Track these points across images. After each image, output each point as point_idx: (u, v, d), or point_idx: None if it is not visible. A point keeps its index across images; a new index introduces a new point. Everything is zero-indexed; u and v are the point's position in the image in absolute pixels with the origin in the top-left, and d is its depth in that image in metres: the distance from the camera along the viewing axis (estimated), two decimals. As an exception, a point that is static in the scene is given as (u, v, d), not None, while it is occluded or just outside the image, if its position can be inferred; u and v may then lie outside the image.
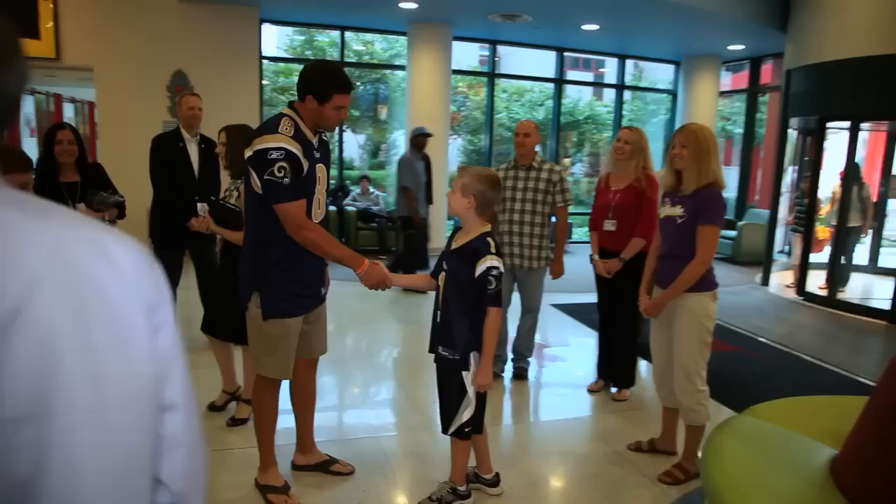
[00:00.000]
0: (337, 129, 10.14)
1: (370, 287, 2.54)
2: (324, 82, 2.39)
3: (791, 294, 7.48)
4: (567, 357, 5.06)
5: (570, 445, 3.48)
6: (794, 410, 2.61)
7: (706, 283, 2.90)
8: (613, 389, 4.12)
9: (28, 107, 13.62)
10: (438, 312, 2.62)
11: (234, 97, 7.86)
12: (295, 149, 2.33)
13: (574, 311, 6.09)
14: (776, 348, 5.35)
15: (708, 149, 2.82)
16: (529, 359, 4.38)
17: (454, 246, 2.57)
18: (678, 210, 2.89)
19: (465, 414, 2.59)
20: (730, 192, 11.42)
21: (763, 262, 8.19)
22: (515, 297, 4.26)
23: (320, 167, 2.51)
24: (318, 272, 2.65)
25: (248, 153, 2.36)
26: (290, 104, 2.48)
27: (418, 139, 6.76)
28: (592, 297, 4.21)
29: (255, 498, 2.74)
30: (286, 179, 2.31)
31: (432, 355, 2.68)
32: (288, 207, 2.35)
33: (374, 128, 12.31)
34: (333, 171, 10.37)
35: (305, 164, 2.38)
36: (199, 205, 3.25)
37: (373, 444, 3.33)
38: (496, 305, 2.50)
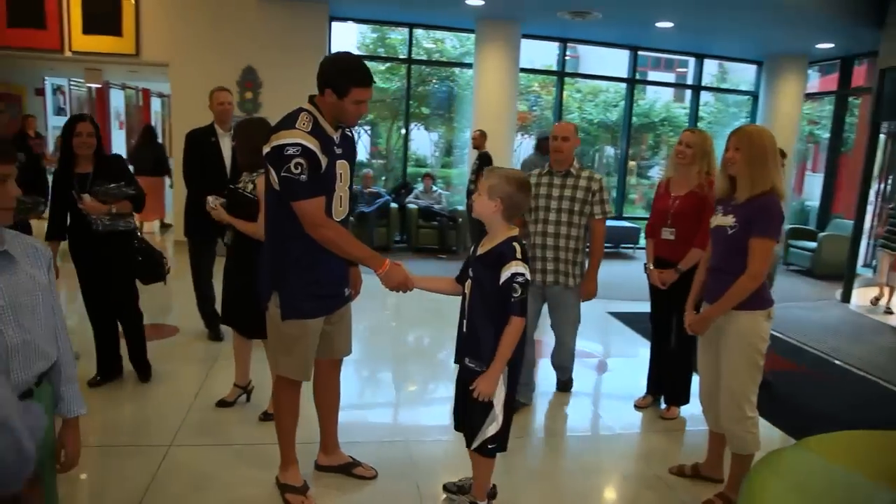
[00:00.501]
0: (404, 126, 10.16)
1: (391, 289, 2.46)
2: (342, 76, 2.32)
3: (871, 312, 6.89)
4: (617, 368, 4.83)
5: (607, 464, 3.29)
6: (857, 446, 2.33)
7: (759, 301, 2.65)
8: (663, 406, 3.89)
9: (118, 101, 14.39)
10: (464, 321, 2.50)
11: (302, 93, 7.87)
12: (312, 144, 2.27)
13: (630, 319, 5.81)
14: (854, 373, 4.91)
15: (764, 153, 2.56)
16: (572, 370, 4.16)
17: (480, 252, 2.45)
18: (729, 220, 2.66)
19: (490, 429, 2.45)
20: (813, 200, 10.72)
21: (844, 276, 7.60)
22: (544, 314, 3.85)
23: (342, 163, 2.44)
24: (339, 272, 2.58)
25: (265, 149, 2.32)
26: (311, 98, 2.42)
27: (544, 143, 6.70)
28: (649, 307, 3.93)
29: (275, 496, 2.72)
30: (303, 176, 2.25)
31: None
32: (305, 205, 2.29)
33: (446, 126, 12.29)
34: (399, 168, 10.41)
35: (324, 161, 2.31)
36: (209, 197, 3.27)
37: (401, 449, 3.25)
38: (519, 315, 2.35)
